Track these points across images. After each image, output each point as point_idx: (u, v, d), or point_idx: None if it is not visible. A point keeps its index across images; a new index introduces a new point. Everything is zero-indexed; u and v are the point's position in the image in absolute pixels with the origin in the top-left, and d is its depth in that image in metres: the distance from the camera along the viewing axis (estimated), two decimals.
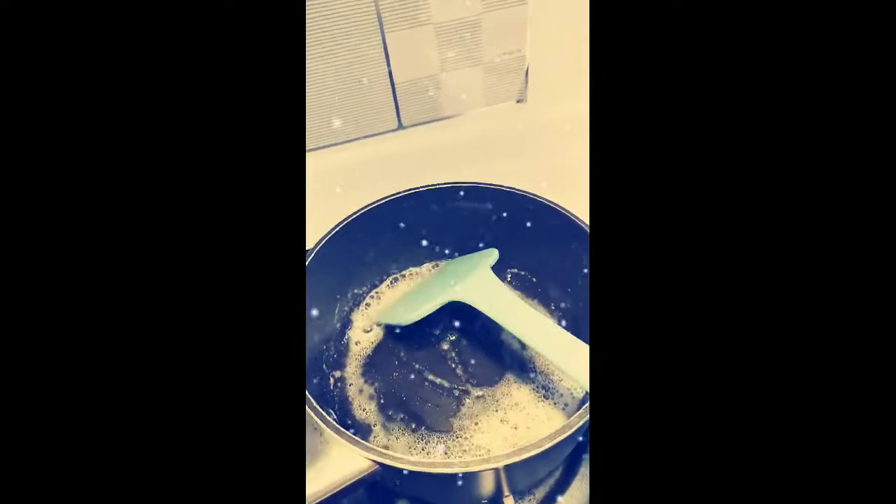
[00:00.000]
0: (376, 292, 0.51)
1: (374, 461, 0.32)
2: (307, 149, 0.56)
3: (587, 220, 0.43)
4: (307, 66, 0.50)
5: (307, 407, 0.34)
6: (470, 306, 0.43)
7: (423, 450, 0.42)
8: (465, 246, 0.51)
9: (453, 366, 0.46)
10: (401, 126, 0.58)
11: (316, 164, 0.55)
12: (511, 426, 0.43)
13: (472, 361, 0.47)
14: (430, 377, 0.46)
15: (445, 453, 0.42)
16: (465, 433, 0.42)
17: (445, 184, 0.46)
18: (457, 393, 0.45)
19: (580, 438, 0.39)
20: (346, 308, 0.50)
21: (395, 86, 0.55)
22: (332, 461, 0.33)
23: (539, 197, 0.45)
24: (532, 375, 0.45)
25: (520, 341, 0.47)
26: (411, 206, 0.46)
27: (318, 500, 0.32)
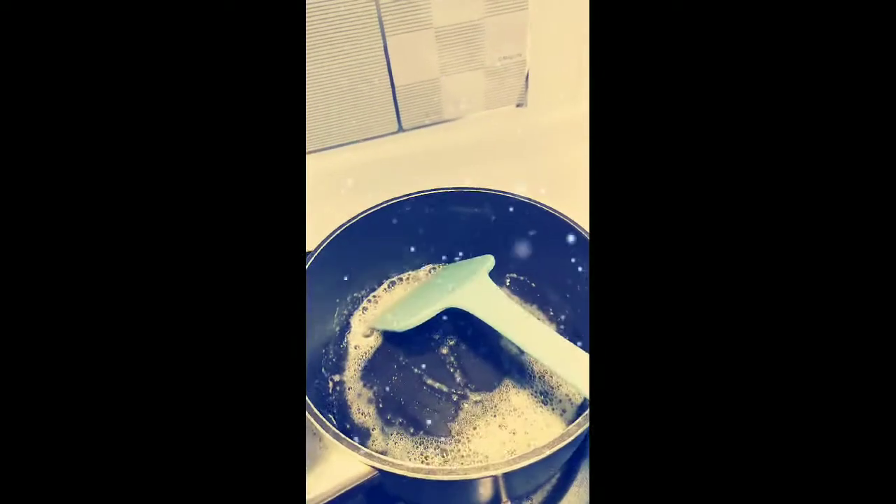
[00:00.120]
0: (374, 296, 0.51)
1: (373, 467, 0.32)
2: (307, 151, 0.56)
3: (586, 225, 0.43)
4: (308, 68, 0.50)
5: (306, 412, 0.34)
6: (469, 317, 0.43)
7: (421, 454, 0.42)
8: (464, 250, 0.51)
9: (452, 370, 0.46)
10: (401, 129, 0.58)
11: (316, 166, 0.55)
12: (509, 431, 0.43)
13: (471, 366, 0.47)
14: (429, 382, 0.46)
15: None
16: (463, 438, 0.42)
17: (445, 188, 0.46)
18: (455, 398, 0.45)
19: (578, 445, 0.40)
20: (346, 312, 0.50)
21: (396, 89, 0.55)
22: (332, 466, 0.33)
23: (538, 203, 0.45)
24: (531, 381, 0.45)
25: (518, 347, 0.47)
26: (410, 210, 0.46)
27: None
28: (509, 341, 0.46)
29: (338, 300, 0.49)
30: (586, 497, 0.42)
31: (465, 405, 0.44)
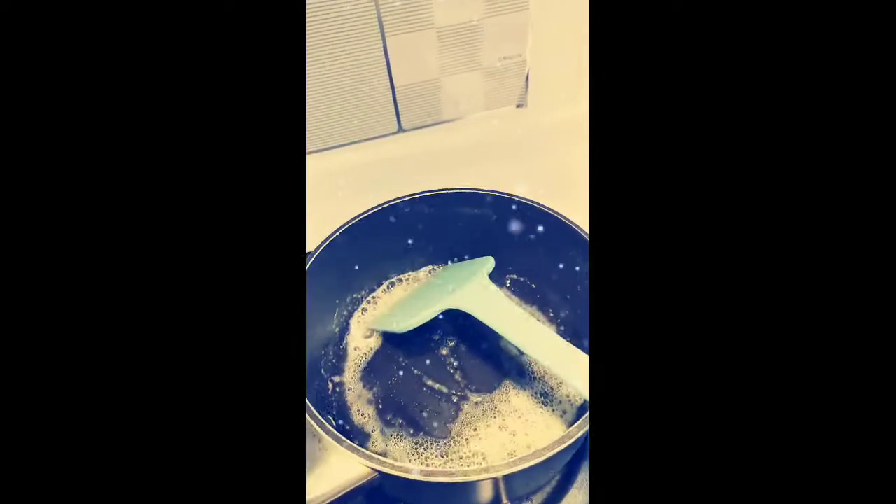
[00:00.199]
0: (373, 297, 0.51)
1: (372, 468, 0.32)
2: (307, 151, 0.56)
3: (585, 226, 0.43)
4: (308, 68, 0.50)
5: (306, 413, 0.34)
6: (469, 318, 0.43)
7: (421, 455, 0.42)
8: (464, 251, 0.51)
9: (452, 371, 0.46)
10: (401, 129, 0.58)
11: (315, 167, 0.55)
12: (509, 433, 0.43)
13: (471, 367, 0.47)
14: (429, 382, 0.46)
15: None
16: (463, 439, 0.42)
17: (444, 189, 0.46)
18: (455, 399, 0.45)
19: (579, 447, 0.39)
20: (345, 313, 0.50)
21: (396, 89, 0.55)
22: (331, 468, 0.33)
23: (538, 204, 0.45)
24: (531, 382, 0.45)
25: (518, 348, 0.47)
26: (410, 210, 0.46)
27: None
28: (509, 343, 0.46)
29: (337, 301, 0.49)
30: (586, 499, 0.42)
31: (465, 406, 0.44)
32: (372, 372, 0.47)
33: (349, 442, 0.33)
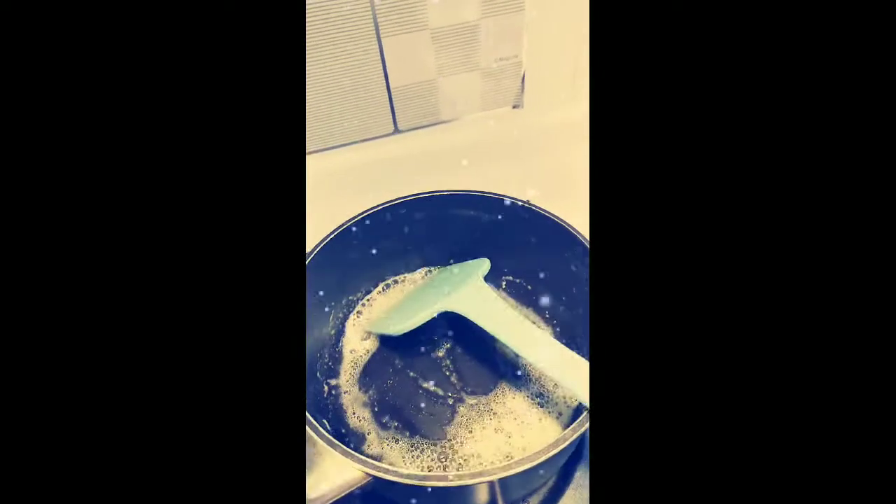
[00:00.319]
0: (368, 299, 0.51)
1: (367, 473, 0.32)
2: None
3: (581, 228, 0.43)
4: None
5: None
6: (465, 320, 0.43)
7: (417, 458, 0.42)
8: (460, 253, 0.51)
9: (448, 373, 0.46)
10: (397, 130, 0.58)
11: (311, 168, 0.54)
12: (505, 434, 0.43)
13: (467, 369, 0.46)
14: (425, 385, 0.46)
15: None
16: (459, 441, 0.42)
17: (440, 191, 0.46)
18: (451, 401, 0.45)
19: (575, 448, 0.39)
20: (341, 315, 0.50)
21: (392, 90, 0.54)
22: (326, 472, 0.33)
23: (535, 206, 0.45)
24: (526, 384, 0.45)
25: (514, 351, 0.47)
26: (406, 212, 0.46)
27: None
28: (505, 345, 0.46)
29: (333, 303, 0.49)
30: (583, 500, 0.42)
31: (461, 408, 0.44)
32: (368, 375, 0.47)
33: (343, 446, 0.33)
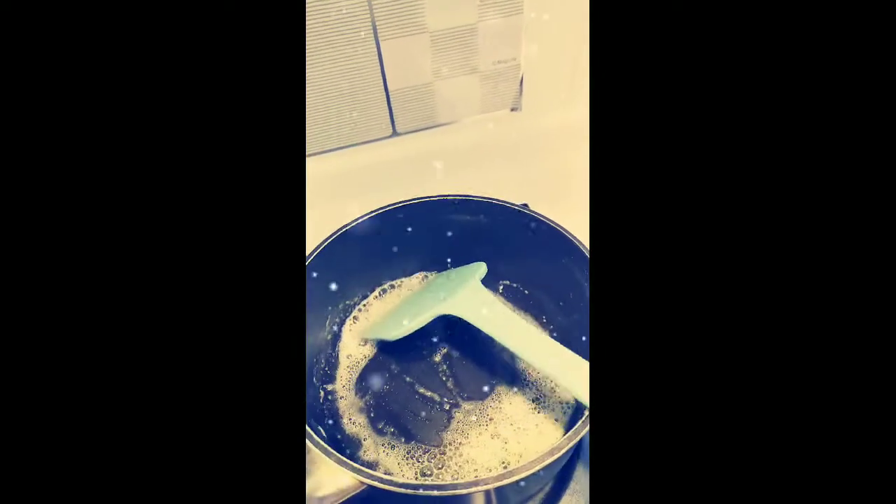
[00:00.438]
0: (365, 304, 0.51)
1: (361, 481, 0.32)
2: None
3: (579, 230, 0.43)
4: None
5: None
6: (462, 320, 0.43)
7: (413, 464, 0.41)
8: (457, 258, 0.50)
9: (444, 378, 0.46)
10: (395, 133, 0.58)
11: (309, 171, 0.54)
12: (502, 440, 0.42)
13: (464, 374, 0.46)
14: (421, 390, 0.46)
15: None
16: (455, 447, 0.42)
17: (437, 196, 0.46)
18: (447, 406, 0.45)
19: (571, 454, 0.39)
20: (337, 320, 0.49)
21: (390, 93, 0.54)
22: (321, 480, 0.33)
23: (532, 212, 0.45)
24: (523, 389, 0.45)
25: (511, 354, 0.47)
26: (403, 217, 0.46)
27: None
28: (503, 348, 0.46)
29: (329, 308, 0.49)
30: None
31: (458, 414, 0.44)
32: (364, 380, 0.47)
33: (338, 455, 0.33)
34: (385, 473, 0.38)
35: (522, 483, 0.32)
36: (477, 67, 0.55)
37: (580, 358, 0.38)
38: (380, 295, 0.52)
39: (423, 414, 0.44)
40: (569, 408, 0.44)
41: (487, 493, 0.35)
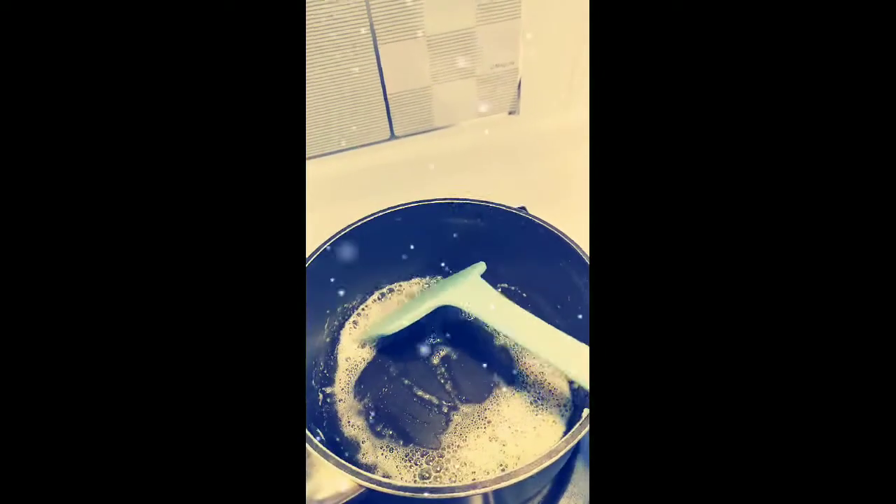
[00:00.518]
0: (364, 308, 0.51)
1: (359, 484, 0.32)
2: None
3: (576, 233, 0.43)
4: None
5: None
6: (461, 322, 0.43)
7: (412, 467, 0.42)
8: (456, 261, 0.51)
9: (442, 381, 0.46)
10: (393, 136, 0.58)
11: (308, 173, 0.54)
12: (500, 443, 0.43)
13: (462, 377, 0.46)
14: (420, 393, 0.46)
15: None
16: (453, 450, 0.42)
17: (435, 199, 0.46)
18: (445, 409, 0.45)
19: (569, 457, 0.39)
20: (336, 323, 0.50)
21: (388, 97, 0.55)
22: (320, 483, 0.33)
23: (531, 215, 0.45)
24: (521, 392, 0.45)
25: (509, 356, 0.47)
26: (402, 220, 0.46)
27: None
28: (500, 351, 0.46)
29: (328, 311, 0.49)
30: None
31: (456, 416, 0.44)
32: (363, 383, 0.47)
33: (336, 458, 0.33)
34: (383, 476, 0.38)
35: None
36: (475, 71, 0.55)
37: (581, 343, 0.39)
38: (379, 299, 0.52)
39: (422, 416, 0.44)
40: (567, 410, 0.44)
41: (485, 497, 0.36)
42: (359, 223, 0.45)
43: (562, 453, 0.33)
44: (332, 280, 0.47)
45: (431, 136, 0.59)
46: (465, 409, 0.45)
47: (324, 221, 0.44)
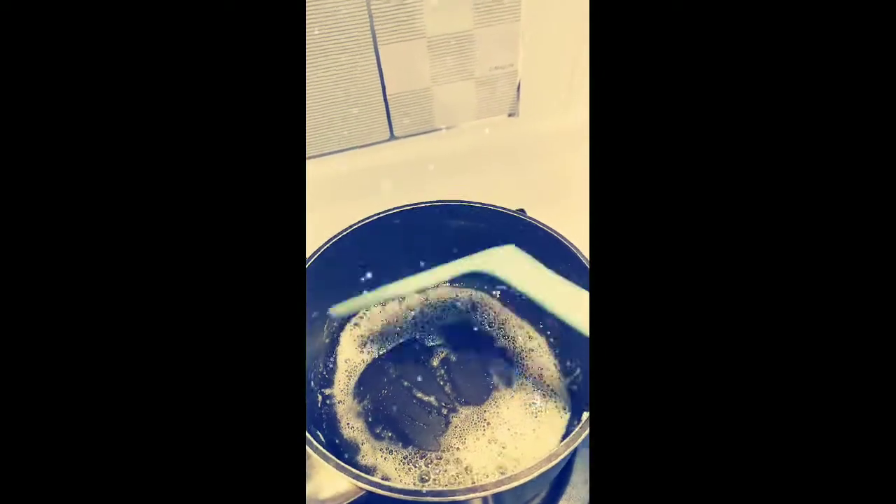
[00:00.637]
0: (364, 311, 0.51)
1: (359, 487, 0.32)
2: None
3: (575, 235, 0.43)
4: None
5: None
6: (460, 330, 0.43)
7: (411, 470, 0.42)
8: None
9: (442, 383, 0.46)
10: (392, 137, 0.58)
11: (308, 173, 0.54)
12: (499, 445, 0.43)
13: (461, 379, 0.46)
14: (419, 395, 0.46)
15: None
16: (452, 452, 0.42)
17: (435, 202, 0.46)
18: (445, 411, 0.45)
19: (568, 460, 0.39)
20: (336, 325, 0.49)
21: (388, 98, 0.55)
22: (320, 484, 0.33)
23: (529, 217, 0.45)
24: (520, 394, 0.45)
25: (507, 358, 0.47)
26: (401, 223, 0.46)
27: None
28: (499, 352, 0.46)
29: (328, 312, 0.48)
30: None
31: (455, 419, 0.44)
32: (362, 385, 0.47)
33: (336, 460, 0.33)
34: (383, 478, 0.38)
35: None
36: (474, 73, 0.55)
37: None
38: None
39: (421, 419, 0.44)
40: (566, 412, 0.44)
41: (485, 498, 0.36)
42: (359, 224, 0.45)
43: (562, 456, 0.33)
44: (332, 281, 0.47)
45: (431, 136, 0.59)
46: (464, 411, 0.45)
47: (324, 221, 0.44)
